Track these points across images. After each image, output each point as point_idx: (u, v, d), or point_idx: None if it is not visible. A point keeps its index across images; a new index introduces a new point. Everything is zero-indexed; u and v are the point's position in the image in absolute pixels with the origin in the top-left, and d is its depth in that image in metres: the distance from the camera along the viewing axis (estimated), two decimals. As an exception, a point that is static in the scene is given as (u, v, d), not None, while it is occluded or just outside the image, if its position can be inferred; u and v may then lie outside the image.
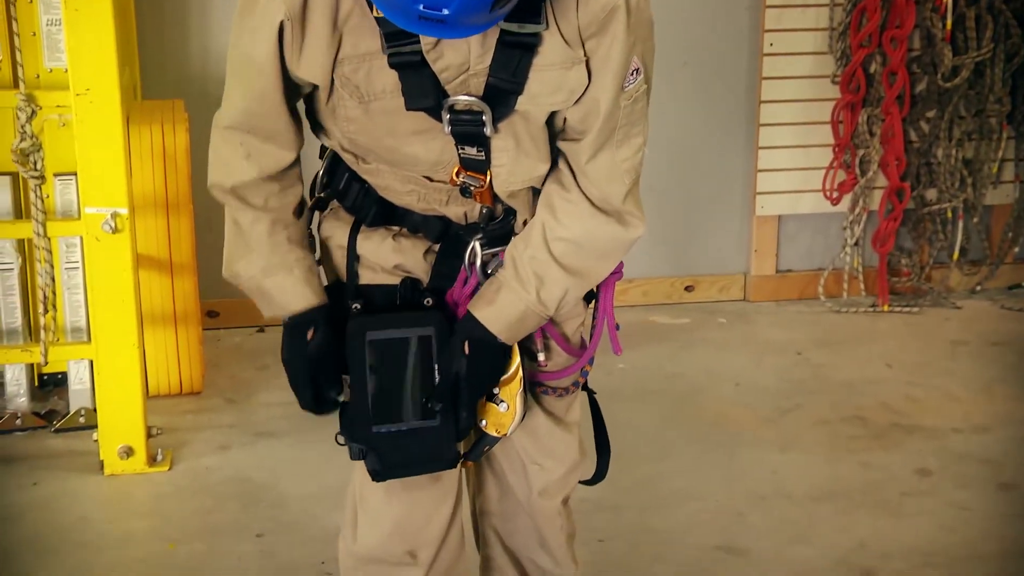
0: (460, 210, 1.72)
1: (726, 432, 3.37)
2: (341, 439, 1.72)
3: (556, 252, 1.64)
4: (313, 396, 1.72)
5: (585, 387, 1.91)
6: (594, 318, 1.83)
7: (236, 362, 3.81)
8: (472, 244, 1.71)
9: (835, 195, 4.27)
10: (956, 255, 4.38)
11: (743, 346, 4.00)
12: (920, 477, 3.12)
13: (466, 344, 1.67)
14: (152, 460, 3.14)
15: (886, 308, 4.28)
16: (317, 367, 1.70)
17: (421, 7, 1.38)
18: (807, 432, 3.38)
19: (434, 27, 1.42)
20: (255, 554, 2.73)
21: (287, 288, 1.70)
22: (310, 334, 1.70)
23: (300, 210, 1.73)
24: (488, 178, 1.63)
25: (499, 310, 1.67)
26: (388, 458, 1.69)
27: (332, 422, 1.76)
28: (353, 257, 1.73)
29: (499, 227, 1.72)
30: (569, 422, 1.89)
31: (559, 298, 1.67)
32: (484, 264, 1.72)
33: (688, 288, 4.39)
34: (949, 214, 4.32)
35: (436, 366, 1.67)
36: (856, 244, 4.33)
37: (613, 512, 2.89)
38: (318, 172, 1.79)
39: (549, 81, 1.55)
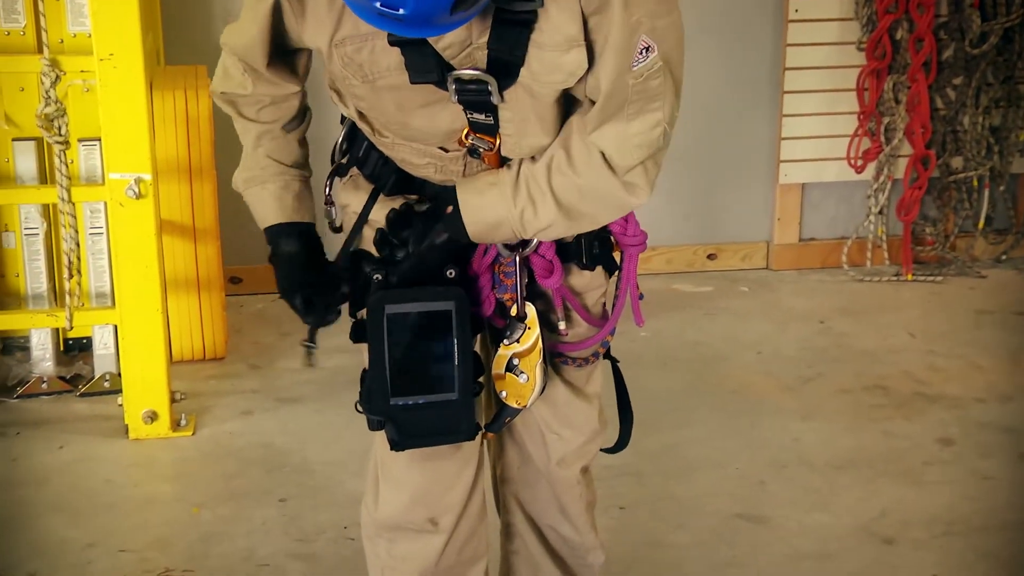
0: None
1: (748, 400, 3.36)
2: (360, 408, 1.72)
3: (555, 185, 1.62)
4: (304, 302, 1.72)
5: (608, 355, 1.90)
6: (617, 288, 1.82)
7: (259, 328, 3.82)
8: None
9: (859, 163, 4.24)
10: (981, 224, 4.35)
11: (765, 314, 3.99)
12: (942, 446, 3.11)
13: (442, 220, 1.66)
14: (176, 425, 3.16)
15: (910, 277, 4.26)
16: (287, 279, 1.72)
17: (378, 4, 1.38)
18: (829, 401, 3.37)
19: (392, 24, 1.41)
20: (278, 519, 2.75)
21: (262, 201, 1.76)
22: (273, 253, 1.75)
23: (294, 122, 1.77)
24: (497, 141, 1.62)
25: (482, 206, 1.64)
26: (406, 429, 1.69)
27: (356, 389, 1.76)
28: (363, 223, 1.73)
29: None
30: (589, 393, 1.89)
31: (541, 228, 1.64)
32: None
33: (711, 256, 4.38)
34: (975, 182, 4.29)
35: (455, 341, 1.67)
36: (880, 212, 4.30)
37: (635, 479, 2.90)
38: (338, 139, 1.79)
39: (548, 61, 1.54)
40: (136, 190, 2.95)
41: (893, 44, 4.10)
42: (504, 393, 1.76)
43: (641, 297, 1.82)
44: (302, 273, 1.73)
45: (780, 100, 4.24)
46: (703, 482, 2.92)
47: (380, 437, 1.76)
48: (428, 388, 1.67)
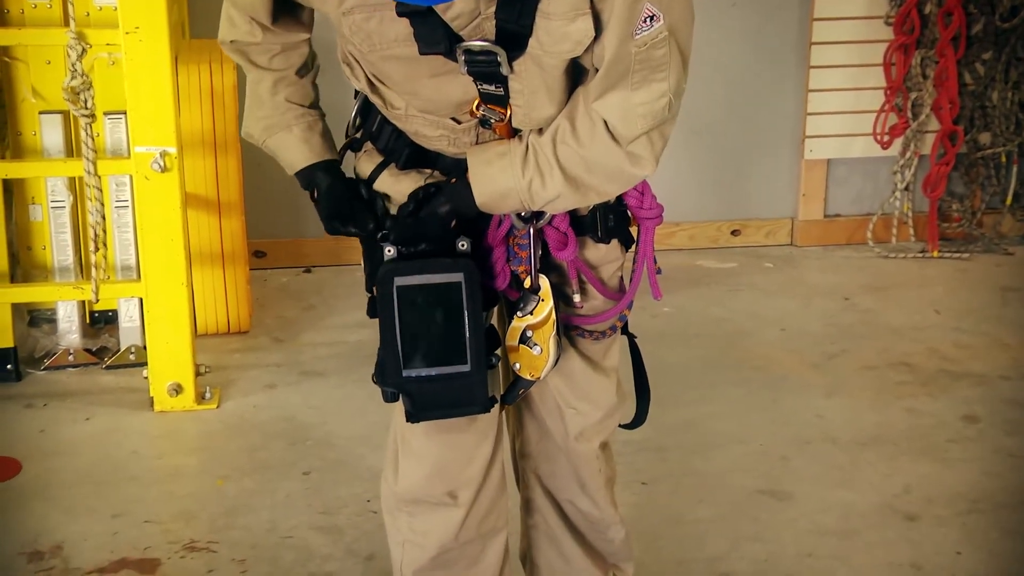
0: None
1: (771, 376, 3.35)
2: (375, 380, 1.73)
3: (561, 156, 1.61)
4: (338, 227, 1.71)
5: (625, 331, 1.89)
6: (634, 262, 1.81)
7: (283, 302, 3.83)
8: None
9: (886, 139, 4.20)
10: (1009, 200, 4.30)
11: (790, 291, 3.97)
12: (967, 423, 3.09)
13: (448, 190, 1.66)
14: (200, 398, 3.17)
15: (936, 254, 4.23)
16: (333, 208, 1.73)
17: None
18: (853, 377, 3.35)
19: None
20: (302, 491, 2.75)
21: (289, 146, 1.77)
22: (315, 191, 1.76)
23: (305, 68, 1.78)
24: (508, 112, 1.61)
25: (492, 175, 1.64)
26: (419, 401, 1.69)
27: (373, 362, 1.76)
28: (368, 187, 1.73)
29: None
30: (606, 366, 1.88)
31: (548, 199, 1.64)
32: None
33: (735, 232, 4.35)
34: (1003, 158, 4.24)
35: (466, 312, 1.66)
36: (906, 189, 4.27)
37: (657, 454, 2.89)
38: (351, 113, 1.79)
39: (554, 31, 1.53)
40: (161, 163, 2.95)
41: (921, 18, 4.05)
42: (517, 365, 1.75)
43: (659, 271, 1.81)
44: (348, 204, 1.74)
45: (806, 75, 4.21)
46: (725, 458, 2.91)
47: (399, 410, 1.76)
48: (440, 360, 1.67)
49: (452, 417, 1.74)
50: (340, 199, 1.74)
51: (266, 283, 3.94)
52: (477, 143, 1.68)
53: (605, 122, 1.58)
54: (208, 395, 3.19)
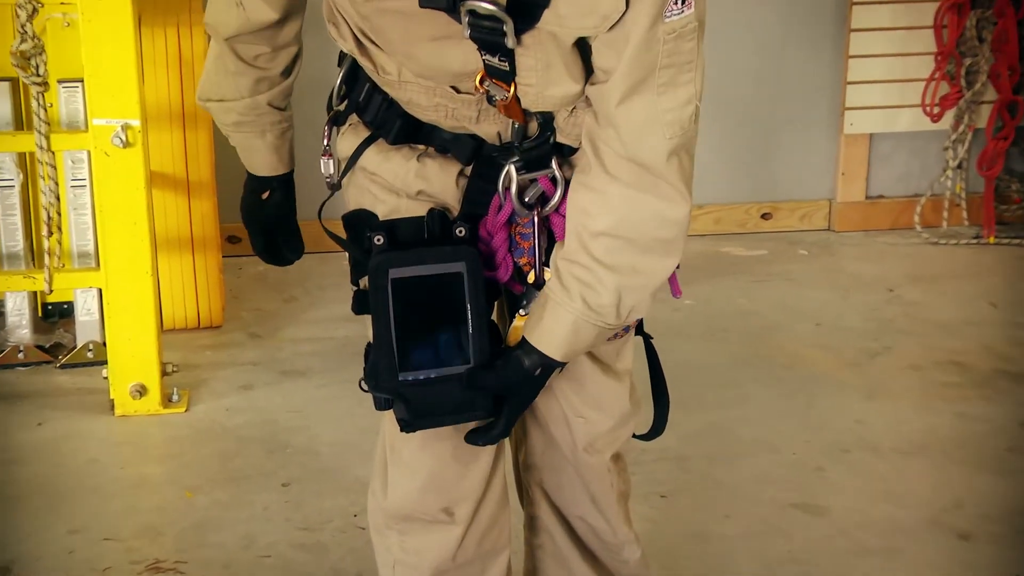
0: (493, 129, 1.69)
1: (805, 377, 3.35)
2: (365, 386, 1.73)
3: (597, 251, 1.60)
4: (265, 246, 1.93)
5: (639, 331, 1.89)
6: None
7: (260, 293, 3.84)
8: (507, 167, 1.69)
9: (936, 110, 4.20)
10: (1075, 180, 4.31)
11: (826, 281, 3.97)
12: (1025, 430, 3.11)
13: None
14: (167, 400, 3.17)
15: (992, 240, 4.23)
16: (273, 224, 1.91)
17: None
18: (897, 378, 3.36)
19: None
20: (280, 505, 2.76)
21: (256, 149, 1.86)
22: (266, 195, 1.89)
23: (289, 68, 1.84)
24: (512, 89, 1.61)
25: (548, 327, 1.65)
26: (417, 408, 1.69)
27: (361, 361, 1.77)
28: (349, 167, 1.74)
29: (536, 147, 1.69)
30: (619, 369, 1.88)
31: (613, 303, 1.63)
32: (521, 191, 1.70)
33: (765, 216, 4.35)
34: (1068, 132, 4.25)
35: (468, 306, 1.67)
36: (959, 167, 4.27)
37: (677, 464, 2.90)
38: (336, 82, 1.79)
39: (581, 2, 1.51)
40: (123, 138, 2.96)
41: (976, -26, 4.06)
42: None
43: (677, 267, 1.81)
44: (286, 223, 1.92)
45: (846, 39, 4.20)
46: (754, 468, 2.91)
47: (390, 417, 1.76)
48: (440, 360, 1.67)
49: (453, 424, 1.74)
50: (282, 218, 1.91)
51: (241, 272, 3.95)
52: (479, 119, 1.68)
53: (608, 173, 1.56)
54: (176, 397, 3.19)
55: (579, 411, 1.86)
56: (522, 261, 1.74)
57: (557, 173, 1.68)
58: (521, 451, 1.97)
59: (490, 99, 1.63)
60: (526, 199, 1.70)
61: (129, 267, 3.07)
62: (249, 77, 1.80)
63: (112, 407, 3.14)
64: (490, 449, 1.82)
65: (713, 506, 2.76)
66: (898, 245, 4.24)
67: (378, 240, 1.67)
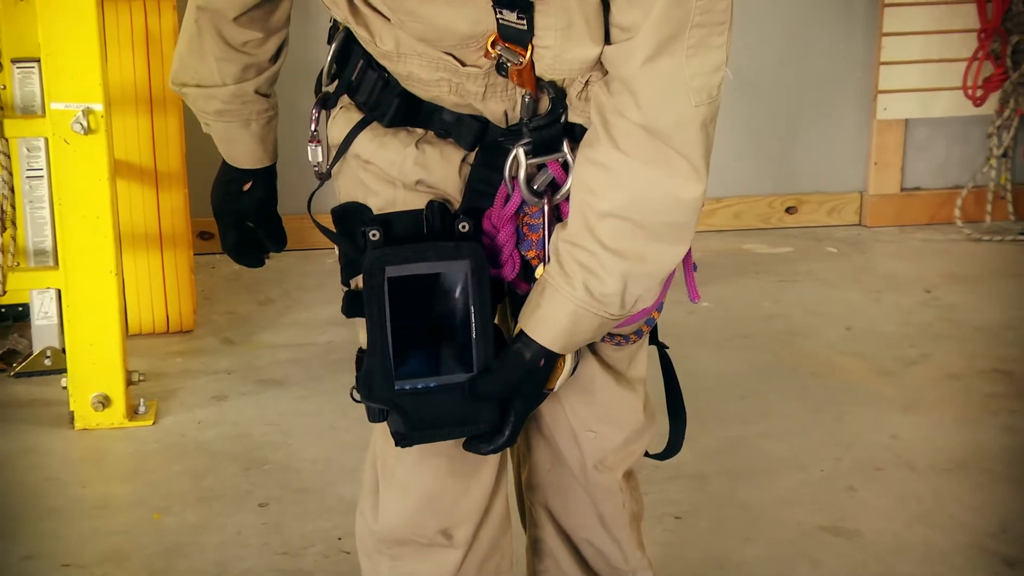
0: (499, 107, 1.69)
1: (834, 387, 3.36)
2: (357, 396, 1.72)
3: (603, 235, 1.59)
4: (236, 242, 1.92)
5: (653, 340, 1.89)
6: None
7: (234, 294, 3.84)
8: (514, 152, 1.68)
9: (979, 94, 4.20)
10: None
11: (857, 281, 3.97)
12: (1077, 446, 3.11)
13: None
14: (132, 412, 3.18)
15: (1039, 236, 4.24)
16: (251, 218, 1.92)
17: None
18: (935, 388, 3.36)
19: None
20: (257, 527, 2.76)
21: (239, 140, 1.86)
22: (246, 187, 1.89)
23: (278, 54, 1.84)
24: (528, 54, 1.60)
25: (545, 315, 1.65)
26: (414, 419, 1.69)
27: (352, 369, 1.77)
28: (341, 155, 1.74)
29: (546, 125, 1.69)
30: (632, 377, 1.88)
31: (618, 292, 1.62)
32: (529, 178, 1.69)
33: (790, 210, 4.36)
34: None
35: (472, 309, 1.66)
36: (1004, 155, 4.27)
37: (694, 482, 2.90)
38: (325, 61, 1.78)
39: None
40: (84, 123, 2.96)
41: (1023, -56, 4.06)
42: None
43: (694, 268, 1.81)
44: (268, 215, 1.92)
45: (879, 15, 4.21)
46: (778, 487, 2.92)
47: (381, 429, 1.76)
48: (440, 368, 1.67)
49: (453, 438, 1.73)
50: (263, 211, 1.90)
51: (214, 271, 3.95)
52: (486, 94, 1.67)
53: (618, 147, 1.56)
54: (142, 409, 3.20)
55: (588, 425, 1.86)
56: (529, 255, 1.73)
57: (569, 157, 1.66)
58: (524, 469, 1.97)
59: (500, 67, 1.61)
60: (535, 187, 1.69)
61: (91, 266, 3.07)
62: (236, 64, 1.80)
63: (72, 420, 3.15)
64: (492, 465, 1.82)
65: (733, 529, 2.76)
66: (936, 242, 4.24)
67: (373, 235, 1.66)
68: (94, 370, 3.12)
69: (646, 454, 1.94)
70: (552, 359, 1.69)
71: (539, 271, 1.73)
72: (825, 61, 4.28)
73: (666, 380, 1.91)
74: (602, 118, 1.59)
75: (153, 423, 3.17)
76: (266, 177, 1.90)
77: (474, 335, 1.66)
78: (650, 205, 1.58)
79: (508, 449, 1.90)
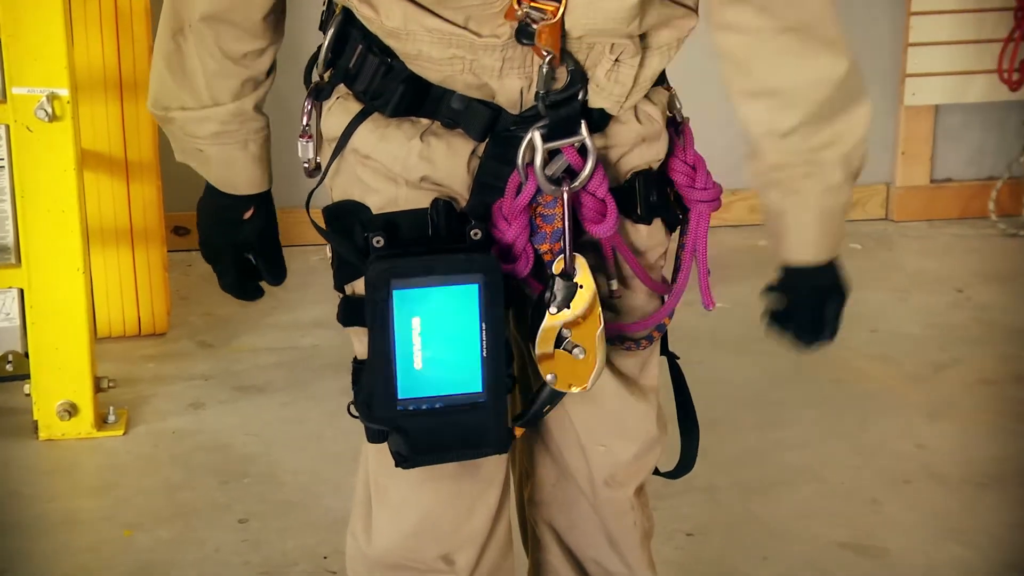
0: (516, 85, 1.65)
1: (857, 393, 3.37)
2: (356, 413, 1.71)
3: (801, 146, 1.71)
4: (237, 279, 1.89)
5: (664, 350, 1.89)
6: (678, 255, 1.81)
7: (211, 294, 3.82)
8: (529, 135, 1.67)
9: (1015, 77, 4.21)
10: None
11: (883, 280, 3.98)
12: (1119, 457, 3.12)
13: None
14: (102, 421, 3.18)
15: (1079, 231, 4.25)
16: (252, 251, 1.87)
17: None
18: (966, 395, 3.37)
19: None
20: (237, 544, 2.77)
21: (236, 164, 1.79)
22: (247, 214, 1.82)
23: (274, 66, 1.80)
24: (562, 7, 1.60)
25: (804, 231, 1.81)
26: (417, 441, 1.68)
27: (339, 375, 1.77)
28: (340, 150, 1.72)
29: (563, 101, 1.66)
30: (644, 385, 1.86)
31: (848, 172, 1.78)
32: (543, 164, 1.67)
33: (811, 201, 4.36)
34: None
35: (482, 326, 1.65)
36: (1041, 144, 4.29)
37: (707, 495, 2.91)
38: (320, 47, 1.76)
39: None
40: (49, 110, 2.96)
41: (1064, -86, 4.08)
42: (552, 376, 1.72)
43: (708, 272, 1.82)
44: (269, 246, 1.87)
45: (907, -8, 4.22)
46: (797, 500, 2.93)
47: (375, 447, 1.76)
48: (446, 385, 1.66)
49: (459, 460, 1.72)
50: (265, 241, 1.86)
51: (190, 269, 3.95)
52: (503, 70, 1.66)
53: (781, 22, 1.64)
54: (112, 418, 3.21)
55: (598, 438, 1.84)
56: (543, 248, 1.71)
57: (588, 141, 1.65)
58: (527, 484, 1.96)
59: (523, 32, 1.60)
60: (550, 174, 1.67)
61: (56, 263, 3.08)
62: (235, 78, 1.73)
63: (36, 430, 3.15)
64: (497, 485, 1.79)
65: (748, 546, 2.77)
66: (968, 237, 4.25)
67: (377, 242, 1.64)
68: (60, 376, 3.13)
69: (656, 472, 1.93)
70: (833, 269, 1.90)
71: (557, 264, 1.71)
72: (850, 44, 4.28)
73: (677, 393, 1.91)
74: (745, 54, 1.67)
75: (124, 433, 3.18)
76: (264, 203, 1.84)
77: (484, 353, 1.65)
78: (822, 97, 1.69)
79: (510, 467, 1.91)
